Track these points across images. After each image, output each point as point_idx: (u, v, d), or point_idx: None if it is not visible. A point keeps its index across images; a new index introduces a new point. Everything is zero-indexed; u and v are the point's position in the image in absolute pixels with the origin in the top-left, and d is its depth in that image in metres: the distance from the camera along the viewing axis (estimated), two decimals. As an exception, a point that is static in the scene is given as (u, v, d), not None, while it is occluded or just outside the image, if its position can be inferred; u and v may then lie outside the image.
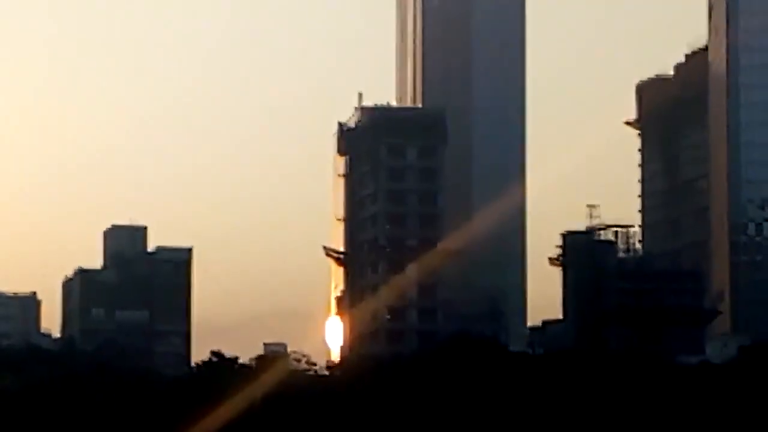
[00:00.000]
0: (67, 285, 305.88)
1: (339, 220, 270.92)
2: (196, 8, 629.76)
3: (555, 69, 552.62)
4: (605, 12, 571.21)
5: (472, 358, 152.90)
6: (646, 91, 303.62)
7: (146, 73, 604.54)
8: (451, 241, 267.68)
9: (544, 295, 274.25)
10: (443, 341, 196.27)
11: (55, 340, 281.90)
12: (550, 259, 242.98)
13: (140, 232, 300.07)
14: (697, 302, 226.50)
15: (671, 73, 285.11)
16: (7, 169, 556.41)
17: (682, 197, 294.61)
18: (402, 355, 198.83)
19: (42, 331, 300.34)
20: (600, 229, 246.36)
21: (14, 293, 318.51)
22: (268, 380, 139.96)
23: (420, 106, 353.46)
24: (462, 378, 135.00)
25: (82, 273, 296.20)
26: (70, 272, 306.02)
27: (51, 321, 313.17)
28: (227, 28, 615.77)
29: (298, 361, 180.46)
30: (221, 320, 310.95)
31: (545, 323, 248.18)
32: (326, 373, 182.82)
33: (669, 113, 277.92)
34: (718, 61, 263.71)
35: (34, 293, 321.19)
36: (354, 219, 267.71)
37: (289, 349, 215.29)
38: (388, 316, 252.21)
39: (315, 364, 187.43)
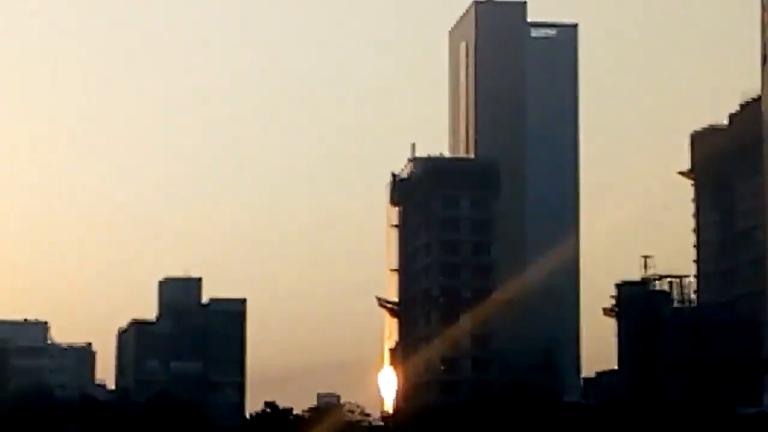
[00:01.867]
0: (122, 336, 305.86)
1: (392, 270, 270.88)
2: (248, 56, 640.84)
3: (608, 119, 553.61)
4: (658, 61, 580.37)
5: (526, 408, 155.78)
6: (700, 141, 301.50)
7: (199, 124, 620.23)
8: (504, 292, 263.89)
9: (599, 346, 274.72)
10: (497, 391, 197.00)
11: (110, 391, 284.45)
12: (605, 309, 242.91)
13: (194, 284, 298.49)
14: (754, 352, 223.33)
15: (725, 122, 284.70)
16: (62, 219, 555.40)
17: (738, 247, 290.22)
18: (456, 405, 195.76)
19: (97, 382, 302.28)
20: (655, 279, 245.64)
21: (69, 344, 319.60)
22: (323, 429, 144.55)
23: (473, 156, 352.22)
24: (516, 428, 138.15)
25: (136, 324, 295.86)
26: (124, 323, 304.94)
27: (106, 372, 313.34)
28: (279, 78, 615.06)
29: (352, 412, 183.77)
30: (275, 371, 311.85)
31: (599, 374, 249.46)
32: (381, 423, 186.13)
33: (723, 163, 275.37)
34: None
35: (90, 344, 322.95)
36: (407, 270, 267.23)
37: (342, 400, 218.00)
38: (442, 367, 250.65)
39: (369, 415, 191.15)
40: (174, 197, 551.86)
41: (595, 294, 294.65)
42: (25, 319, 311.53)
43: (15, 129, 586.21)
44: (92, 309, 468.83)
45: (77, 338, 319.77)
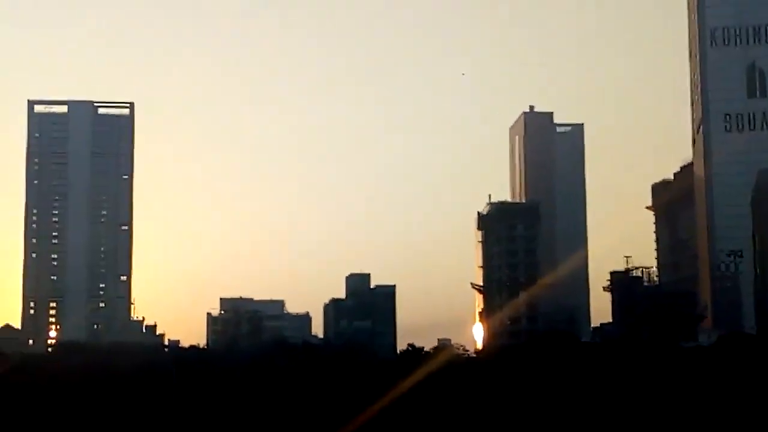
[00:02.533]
0: (326, 308, 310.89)
1: (479, 267, 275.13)
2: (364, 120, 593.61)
3: (603, 178, 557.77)
4: (627, 141, 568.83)
5: (559, 345, 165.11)
6: (657, 189, 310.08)
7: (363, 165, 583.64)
8: (545, 279, 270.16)
9: (601, 309, 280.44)
10: (541, 336, 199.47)
11: (320, 339, 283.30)
12: (604, 287, 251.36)
13: (366, 277, 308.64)
14: (691, 310, 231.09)
15: (671, 177, 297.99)
16: (294, 238, 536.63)
17: (680, 250, 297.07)
18: (517, 344, 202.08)
19: (313, 334, 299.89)
20: (632, 269, 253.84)
21: (297, 313, 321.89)
22: (441, 359, 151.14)
23: (524, 200, 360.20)
24: (553, 357, 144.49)
25: (334, 301, 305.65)
26: (327, 300, 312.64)
27: (318, 329, 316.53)
28: (411, 163, 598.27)
29: (458, 349, 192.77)
30: (413, 326, 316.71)
31: (602, 325, 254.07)
32: (474, 355, 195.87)
33: (671, 201, 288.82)
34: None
35: (307, 312, 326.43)
36: (488, 267, 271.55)
37: (452, 342, 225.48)
38: (509, 322, 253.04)
39: (468, 351, 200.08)
40: (357, 220, 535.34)
41: (599, 279, 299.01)
42: (271, 299, 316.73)
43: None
44: (307, 291, 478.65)
45: (300, 309, 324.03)
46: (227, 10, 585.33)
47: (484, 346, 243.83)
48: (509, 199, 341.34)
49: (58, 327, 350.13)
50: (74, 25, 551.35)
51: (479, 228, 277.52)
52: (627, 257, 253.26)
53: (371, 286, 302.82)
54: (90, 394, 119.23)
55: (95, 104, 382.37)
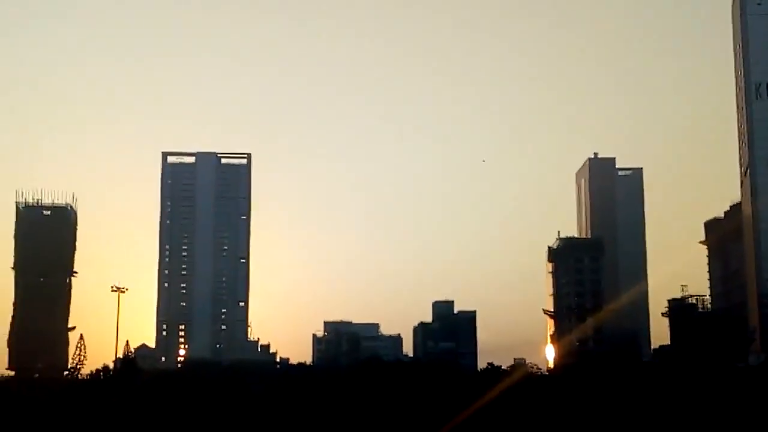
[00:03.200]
0: (415, 329, 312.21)
1: (550, 295, 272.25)
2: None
3: (660, 216, 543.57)
4: (680, 181, 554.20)
5: (621, 364, 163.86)
6: (709, 225, 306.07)
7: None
8: (609, 306, 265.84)
9: (660, 333, 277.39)
10: (606, 356, 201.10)
11: (410, 357, 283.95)
12: (662, 313, 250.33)
13: (450, 304, 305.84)
14: (743, 334, 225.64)
15: (722, 215, 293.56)
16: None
17: (731, 280, 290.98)
18: (585, 362, 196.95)
19: (404, 353, 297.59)
20: (688, 297, 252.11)
21: (389, 334, 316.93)
22: (517, 376, 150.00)
23: (589, 236, 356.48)
24: (618, 374, 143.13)
25: (421, 324, 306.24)
26: (416, 323, 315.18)
27: (408, 347, 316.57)
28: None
29: (532, 367, 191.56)
30: (492, 346, 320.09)
31: (661, 347, 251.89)
32: (546, 373, 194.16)
33: (722, 237, 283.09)
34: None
35: (399, 334, 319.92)
36: (558, 295, 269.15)
37: (527, 361, 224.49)
38: (577, 343, 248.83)
39: (540, 369, 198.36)
40: (443, 253, 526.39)
41: (656, 306, 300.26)
42: (368, 322, 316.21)
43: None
44: (399, 316, 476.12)
45: (393, 331, 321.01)
46: (322, 70, 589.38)
47: (555, 364, 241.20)
48: (576, 235, 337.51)
49: (186, 346, 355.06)
50: (199, 87, 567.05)
51: (550, 260, 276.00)
52: (683, 286, 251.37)
53: (455, 312, 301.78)
54: (214, 404, 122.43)
55: (218, 155, 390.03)
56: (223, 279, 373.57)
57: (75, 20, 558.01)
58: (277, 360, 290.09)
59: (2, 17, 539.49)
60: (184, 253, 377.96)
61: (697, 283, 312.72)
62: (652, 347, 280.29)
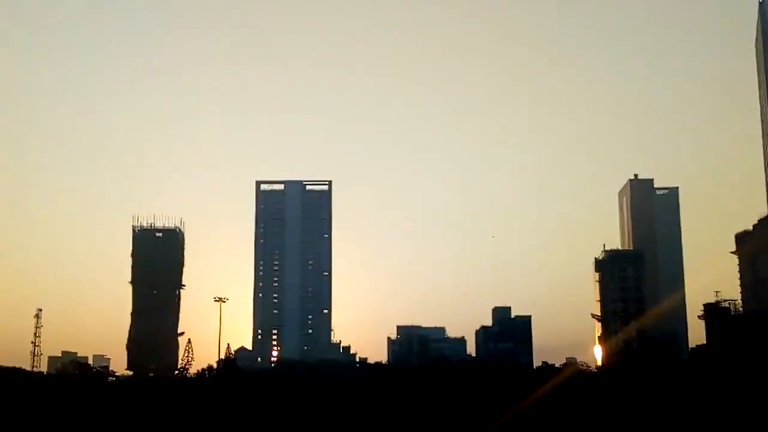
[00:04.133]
0: (477, 332, 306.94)
1: (597, 301, 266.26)
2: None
3: (697, 226, 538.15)
4: (712, 197, 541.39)
5: (662, 360, 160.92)
6: (740, 238, 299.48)
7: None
8: (651, 311, 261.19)
9: (696, 334, 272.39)
10: (649, 355, 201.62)
11: (472, 357, 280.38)
12: (699, 316, 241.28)
13: (507, 309, 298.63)
14: None
15: (751, 228, 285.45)
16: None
17: (760, 285, 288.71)
18: (629, 360, 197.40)
19: (467, 352, 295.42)
20: (721, 301, 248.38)
21: (455, 336, 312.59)
22: (569, 373, 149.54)
23: (631, 248, 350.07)
24: (660, 371, 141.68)
25: (483, 328, 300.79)
26: (478, 326, 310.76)
27: (471, 349, 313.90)
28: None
29: (581, 365, 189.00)
30: (547, 347, 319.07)
31: (698, 346, 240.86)
32: (595, 370, 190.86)
33: (752, 248, 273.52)
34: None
35: (463, 337, 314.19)
36: (604, 301, 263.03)
37: (578, 360, 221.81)
38: (623, 344, 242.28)
39: (590, 366, 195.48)
40: (502, 264, 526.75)
41: (693, 310, 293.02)
42: (435, 326, 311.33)
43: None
44: (463, 320, 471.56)
45: (458, 334, 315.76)
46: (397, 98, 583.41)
47: (603, 363, 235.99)
48: (619, 248, 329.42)
49: (278, 348, 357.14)
50: (284, 122, 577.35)
51: (596, 270, 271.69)
52: (717, 292, 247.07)
53: (512, 316, 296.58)
54: (303, 398, 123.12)
55: (303, 182, 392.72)
56: (309, 290, 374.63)
57: (184, 71, 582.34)
58: (357, 360, 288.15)
59: (128, 71, 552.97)
60: (276, 268, 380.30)
61: (730, 290, 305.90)
62: (689, 347, 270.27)
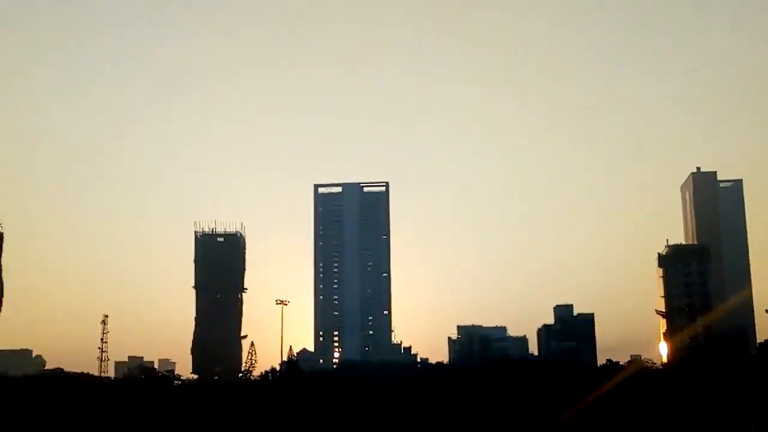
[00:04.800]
0: (539, 331, 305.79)
1: (661, 297, 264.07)
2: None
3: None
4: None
5: (732, 358, 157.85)
6: None
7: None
8: (717, 306, 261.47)
9: (765, 328, 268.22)
10: (717, 351, 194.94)
11: (534, 356, 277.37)
12: (766, 310, 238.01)
13: (570, 307, 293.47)
14: None
15: None
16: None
17: None
18: (696, 356, 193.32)
19: (530, 351, 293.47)
20: None
21: (516, 335, 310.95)
22: (633, 369, 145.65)
23: (695, 243, 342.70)
24: (728, 367, 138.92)
25: (545, 326, 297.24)
26: (540, 325, 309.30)
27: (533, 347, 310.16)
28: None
29: (646, 362, 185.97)
30: (612, 344, 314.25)
31: (766, 341, 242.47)
32: (661, 367, 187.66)
33: None
34: None
35: (524, 335, 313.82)
36: (668, 296, 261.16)
37: (642, 357, 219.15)
38: (688, 339, 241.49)
39: (655, 363, 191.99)
40: (563, 262, 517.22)
41: (761, 304, 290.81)
42: (496, 326, 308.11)
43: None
44: (524, 318, 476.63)
45: (519, 333, 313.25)
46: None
47: (668, 359, 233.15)
48: (683, 242, 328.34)
49: (340, 349, 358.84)
50: (341, 125, 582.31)
51: (660, 266, 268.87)
52: None
53: (574, 314, 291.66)
54: (365, 398, 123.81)
55: (361, 185, 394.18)
56: (369, 291, 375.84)
57: (247, 77, 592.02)
58: (418, 360, 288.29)
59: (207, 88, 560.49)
60: (335, 270, 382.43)
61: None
62: (757, 341, 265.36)
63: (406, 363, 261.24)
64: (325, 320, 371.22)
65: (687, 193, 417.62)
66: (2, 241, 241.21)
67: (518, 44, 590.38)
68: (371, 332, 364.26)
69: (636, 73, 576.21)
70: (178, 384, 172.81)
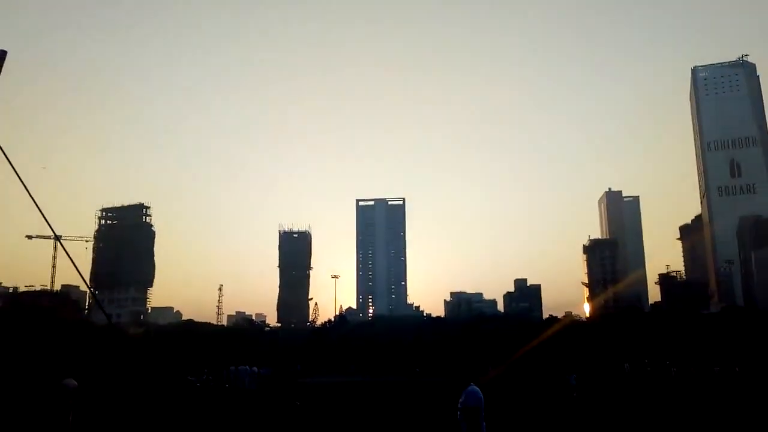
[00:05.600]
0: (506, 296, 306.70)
1: (585, 273, 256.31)
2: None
3: (657, 227, 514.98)
4: None
5: (630, 315, 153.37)
6: (684, 229, 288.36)
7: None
8: (622, 280, 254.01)
9: (654, 293, 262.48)
10: (620, 306, 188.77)
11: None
12: (655, 282, 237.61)
13: None
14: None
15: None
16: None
17: (697, 260, 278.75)
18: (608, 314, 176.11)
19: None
20: (671, 272, 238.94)
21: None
22: (566, 322, 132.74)
23: (608, 238, 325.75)
24: (629, 319, 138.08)
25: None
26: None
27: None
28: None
29: (575, 317, 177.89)
30: (555, 304, 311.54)
31: (655, 303, 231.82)
32: (585, 320, 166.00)
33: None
34: None
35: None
36: (590, 273, 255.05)
37: (573, 314, 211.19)
38: (603, 303, 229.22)
39: (580, 318, 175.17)
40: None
41: (651, 277, 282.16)
42: (475, 291, 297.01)
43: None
44: (493, 288, 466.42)
45: (491, 296, 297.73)
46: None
47: (590, 315, 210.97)
48: (600, 237, 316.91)
49: (373, 308, 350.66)
50: (370, 147, 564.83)
51: (584, 252, 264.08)
52: (667, 266, 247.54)
53: (528, 284, 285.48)
54: (390, 338, 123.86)
55: (387, 200, 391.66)
56: (392, 270, 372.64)
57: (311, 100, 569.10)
58: (424, 315, 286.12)
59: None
60: (370, 255, 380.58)
61: (676, 264, 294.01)
62: (650, 303, 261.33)
63: (416, 317, 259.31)
64: (362, 289, 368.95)
65: (602, 205, 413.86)
66: (154, 238, 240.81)
67: (495, 67, 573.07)
68: (393, 296, 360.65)
69: (568, 121, 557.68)
70: (267, 330, 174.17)
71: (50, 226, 11.78)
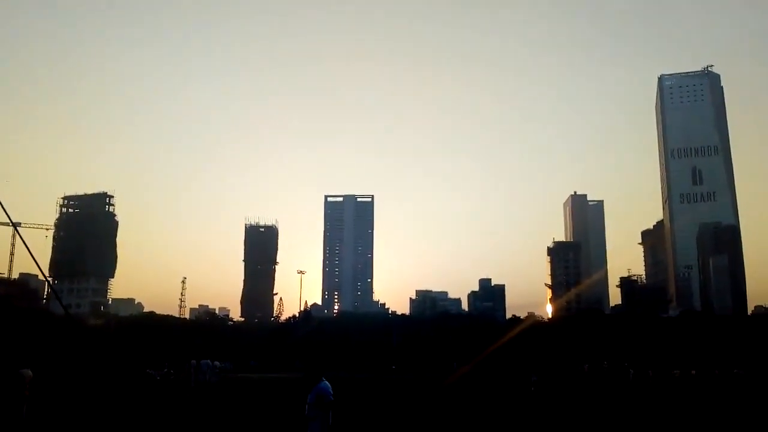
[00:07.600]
0: (470, 295, 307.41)
1: (548, 274, 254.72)
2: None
3: (620, 231, 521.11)
4: None
5: (591, 317, 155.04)
6: (646, 234, 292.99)
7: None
8: (584, 281, 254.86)
9: (615, 295, 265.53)
10: (582, 307, 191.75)
11: None
12: (617, 285, 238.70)
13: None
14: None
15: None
16: None
17: (659, 265, 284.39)
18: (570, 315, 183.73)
19: None
20: (632, 276, 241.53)
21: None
22: (529, 323, 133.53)
23: (572, 240, 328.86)
24: (590, 321, 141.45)
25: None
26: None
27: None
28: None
29: (538, 318, 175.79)
30: (518, 305, 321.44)
31: (616, 305, 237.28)
32: (547, 321, 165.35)
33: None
34: None
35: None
36: (553, 275, 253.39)
37: (536, 314, 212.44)
38: (565, 304, 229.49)
39: (543, 318, 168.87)
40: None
41: (612, 281, 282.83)
42: (441, 290, 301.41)
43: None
44: (457, 288, 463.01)
45: (456, 296, 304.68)
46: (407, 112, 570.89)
47: (552, 316, 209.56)
48: (564, 240, 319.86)
49: (339, 304, 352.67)
50: (343, 147, 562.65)
51: (548, 254, 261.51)
52: (628, 270, 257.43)
53: (492, 285, 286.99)
54: (355, 336, 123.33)
55: (355, 196, 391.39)
56: (359, 266, 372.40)
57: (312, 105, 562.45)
58: (390, 312, 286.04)
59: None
60: (337, 252, 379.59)
61: (637, 268, 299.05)
62: (611, 305, 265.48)
63: (381, 314, 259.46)
64: (329, 284, 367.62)
65: (567, 208, 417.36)
66: (117, 228, 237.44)
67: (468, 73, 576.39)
68: (359, 293, 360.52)
69: (537, 124, 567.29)
70: (230, 324, 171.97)
71: (6, 213, 11.38)
